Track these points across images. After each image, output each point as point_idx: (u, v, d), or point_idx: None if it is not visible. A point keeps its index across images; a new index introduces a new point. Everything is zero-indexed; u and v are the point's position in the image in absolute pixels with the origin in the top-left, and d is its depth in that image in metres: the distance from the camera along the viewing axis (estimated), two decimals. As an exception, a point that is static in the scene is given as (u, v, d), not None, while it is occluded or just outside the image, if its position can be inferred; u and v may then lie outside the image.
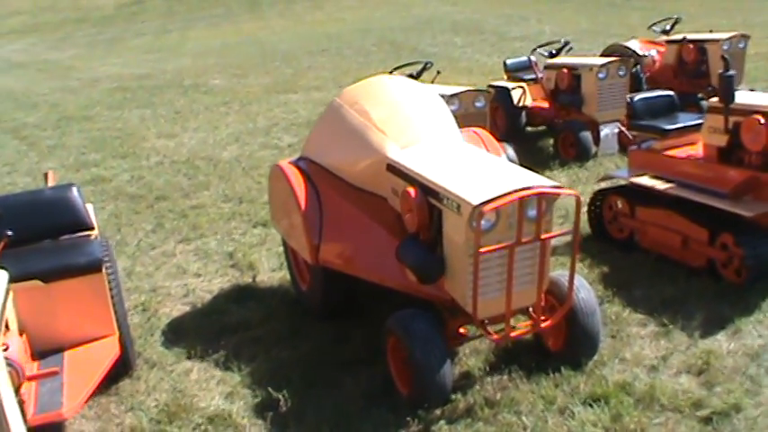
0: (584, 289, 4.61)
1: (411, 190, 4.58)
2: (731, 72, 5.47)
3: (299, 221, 5.29)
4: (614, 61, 9.05)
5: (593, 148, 8.79)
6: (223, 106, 15.47)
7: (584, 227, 6.84)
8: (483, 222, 4.10)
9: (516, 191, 4.11)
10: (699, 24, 16.52)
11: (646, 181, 6.13)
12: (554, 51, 9.95)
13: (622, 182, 6.48)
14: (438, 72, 9.47)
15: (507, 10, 26.66)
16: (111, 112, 16.44)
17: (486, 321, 4.45)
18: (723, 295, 5.42)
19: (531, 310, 4.56)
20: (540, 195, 4.14)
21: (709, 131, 5.78)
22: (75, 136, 14.15)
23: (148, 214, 8.81)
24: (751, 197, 5.51)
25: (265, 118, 13.77)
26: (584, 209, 6.80)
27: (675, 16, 11.06)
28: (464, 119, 7.85)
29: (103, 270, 4.88)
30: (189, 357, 5.47)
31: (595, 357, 4.72)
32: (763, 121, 5.35)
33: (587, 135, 8.67)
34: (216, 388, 5.05)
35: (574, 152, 8.81)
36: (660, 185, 6.00)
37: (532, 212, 4.21)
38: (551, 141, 9.61)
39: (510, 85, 9.96)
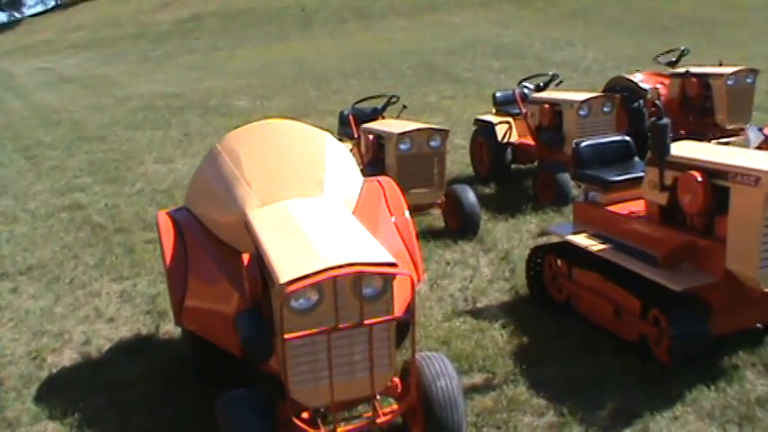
0: (445, 377, 3.92)
1: (245, 256, 4.01)
2: (665, 120, 4.73)
3: (166, 278, 4.76)
4: (598, 97, 8.32)
5: (573, 192, 8.04)
6: (229, 131, 15.06)
7: (522, 285, 6.14)
8: (300, 302, 3.50)
9: (332, 268, 3.49)
10: (747, 54, 15.57)
11: (580, 240, 5.42)
12: (541, 84, 9.24)
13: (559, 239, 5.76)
14: (404, 107, 8.84)
15: (555, 33, 25.89)
16: (126, 132, 16.25)
17: (321, 410, 3.82)
18: (646, 380, 4.67)
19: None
20: (361, 274, 3.50)
21: (649, 187, 5.05)
22: (79, 157, 13.94)
23: (99, 247, 8.40)
24: (689, 266, 4.75)
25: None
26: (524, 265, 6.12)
27: (683, 47, 10.21)
28: (418, 158, 7.30)
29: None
30: (49, 417, 4.99)
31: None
32: (700, 178, 4.61)
33: (566, 177, 7.92)
34: (56, 459, 4.53)
35: (551, 195, 8.08)
36: (594, 245, 5.28)
37: (368, 290, 3.58)
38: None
39: (495, 119, 9.28)
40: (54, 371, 5.63)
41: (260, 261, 3.95)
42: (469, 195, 7.51)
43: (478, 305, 6.06)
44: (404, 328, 5.28)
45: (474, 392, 4.71)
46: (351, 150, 8.41)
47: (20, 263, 8.09)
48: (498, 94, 9.64)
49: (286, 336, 3.49)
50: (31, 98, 24.26)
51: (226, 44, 35.12)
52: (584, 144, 5.81)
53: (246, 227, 4.34)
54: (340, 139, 8.74)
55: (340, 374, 3.65)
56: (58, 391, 5.31)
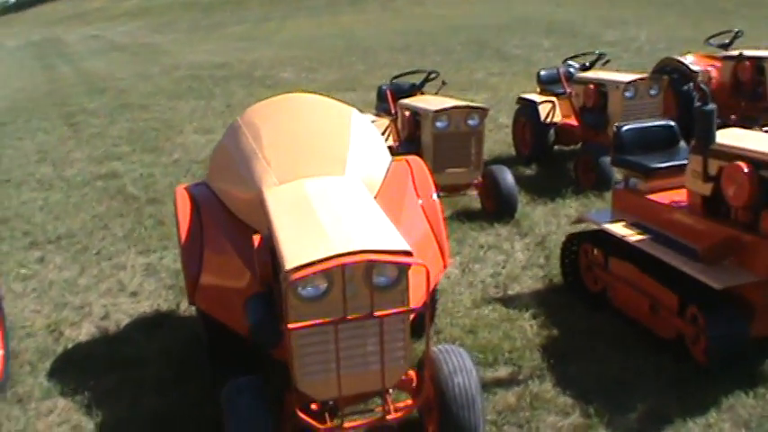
0: (463, 373, 3.68)
1: (256, 237, 3.80)
2: (710, 106, 4.42)
3: (180, 255, 4.60)
4: (645, 78, 7.95)
5: (616, 177, 7.70)
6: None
7: (557, 273, 5.88)
8: (308, 290, 3.30)
9: (341, 255, 3.27)
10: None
11: (617, 229, 5.12)
12: (587, 63, 8.88)
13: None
14: (443, 83, 8.55)
15: (609, 12, 25.29)
16: (169, 101, 16.22)
17: (330, 404, 3.62)
18: (680, 382, 4.38)
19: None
20: (371, 263, 3.27)
21: (692, 176, 4.73)
22: (120, 125, 13.92)
23: (130, 218, 8.30)
24: (731, 263, 4.45)
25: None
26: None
27: (736, 30, 9.75)
28: (455, 137, 7.05)
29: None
30: (60, 394, 4.87)
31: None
32: (746, 169, 4.29)
33: (609, 161, 7.57)
34: (61, 437, 4.41)
35: (593, 179, 7.77)
36: (632, 235, 4.98)
37: (382, 280, 3.36)
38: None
39: (538, 99, 8.94)
40: (70, 346, 5.51)
41: (270, 243, 3.75)
42: (507, 177, 7.23)
43: (509, 292, 5.81)
44: (431, 311, 5.08)
45: (497, 387, 4.48)
46: (388, 127, 8.19)
47: (50, 232, 8.02)
48: (543, 73, 9.29)
49: (290, 325, 3.29)
50: (81, 65, 24.39)
51: (276, 15, 34.97)
52: (625, 128, 5.50)
53: (261, 206, 4.14)
54: (378, 115, 8.53)
55: (349, 367, 3.44)
56: (71, 367, 5.19)
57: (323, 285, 3.33)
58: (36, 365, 5.24)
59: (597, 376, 4.50)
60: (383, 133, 8.18)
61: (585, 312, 5.34)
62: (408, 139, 7.79)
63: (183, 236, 4.55)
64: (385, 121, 8.29)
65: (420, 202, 4.75)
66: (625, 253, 5.11)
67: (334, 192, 4.07)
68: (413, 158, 5.09)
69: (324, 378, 3.47)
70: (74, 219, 8.43)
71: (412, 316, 3.71)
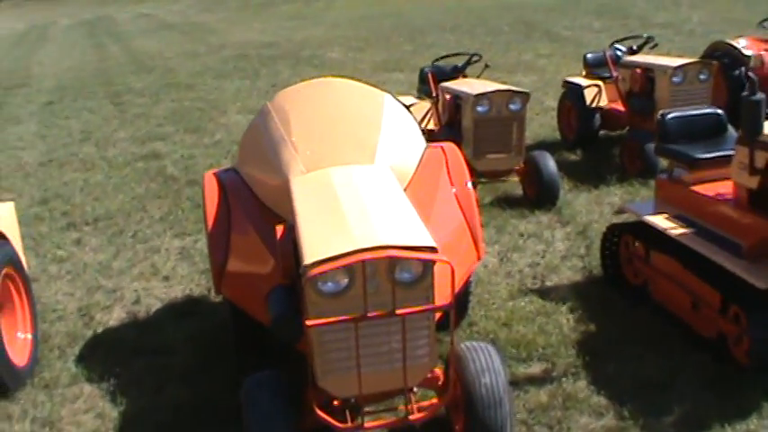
0: (491, 373, 3.53)
1: (279, 228, 3.70)
2: (759, 95, 4.19)
3: (207, 243, 4.52)
4: (694, 63, 7.66)
5: (663, 164, 7.45)
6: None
7: (597, 265, 5.68)
8: (328, 285, 3.19)
9: (362, 250, 3.14)
10: None
11: (659, 221, 4.91)
12: (634, 47, 8.59)
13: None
14: (486, 66, 8.33)
15: (661, -8, 24.62)
16: (215, 81, 16.20)
17: (351, 401, 3.51)
18: (720, 384, 4.18)
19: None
20: (393, 258, 3.14)
21: (738, 168, 4.50)
22: (165, 105, 13.94)
23: (168, 200, 8.27)
24: (780, 260, 4.23)
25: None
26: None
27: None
28: (496, 122, 6.87)
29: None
30: (87, 380, 4.85)
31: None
32: (797, 162, 4.07)
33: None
34: (85, 424, 4.39)
35: (639, 166, 7.52)
36: (673, 228, 4.78)
37: (405, 276, 3.23)
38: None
39: (584, 82, 8.68)
40: (99, 330, 5.49)
41: (293, 234, 3.64)
42: (549, 163, 7.02)
43: (548, 284, 5.63)
44: (461, 308, 4.94)
45: (529, 385, 4.33)
46: (429, 110, 8.03)
47: (88, 213, 8.02)
48: (589, 56, 9.01)
49: (308, 322, 3.18)
50: (130, 44, 24.51)
51: (326, -7, 34.79)
52: (670, 115, 5.27)
53: (288, 194, 4.03)
54: (419, 98, 8.37)
55: (370, 365, 3.33)
56: (99, 353, 5.17)
57: (344, 281, 3.21)
58: (65, 350, 5.23)
59: (633, 375, 4.33)
60: (424, 117, 8.03)
61: (625, 307, 5.15)
62: (449, 124, 7.62)
63: (210, 223, 4.48)
64: (426, 105, 8.13)
65: (454, 190, 4.60)
66: (667, 246, 4.90)
67: (361, 182, 3.94)
68: (448, 145, 4.94)
69: (345, 375, 3.36)
70: (113, 200, 8.42)
71: (438, 314, 3.59)
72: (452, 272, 3.21)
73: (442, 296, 3.42)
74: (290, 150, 4.29)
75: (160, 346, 5.16)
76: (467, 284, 4.78)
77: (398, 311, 3.20)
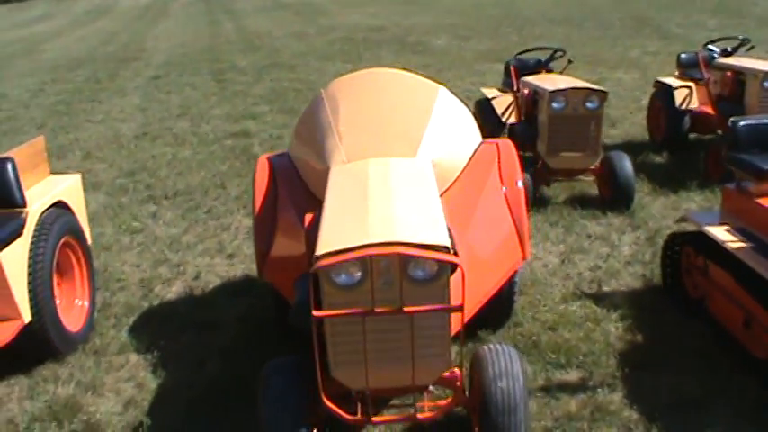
0: (509, 377, 3.44)
1: (308, 216, 3.72)
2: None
3: (253, 227, 4.59)
4: (789, 68, 7.29)
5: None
6: (418, 70, 14.65)
7: (659, 274, 5.49)
8: (342, 277, 3.18)
9: (371, 245, 3.11)
10: None
11: (718, 232, 4.70)
12: (729, 49, 8.23)
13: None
14: (569, 62, 8.13)
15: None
16: (318, 62, 16.40)
17: (364, 394, 3.50)
18: (762, 410, 3.98)
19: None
20: (401, 256, 3.10)
21: (805, 183, 4.28)
22: (264, 85, 14.19)
23: (247, 179, 8.39)
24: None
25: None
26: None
27: None
28: (572, 119, 6.72)
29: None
30: (135, 350, 5.01)
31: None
32: None
33: (740, 155, 7.02)
34: (124, 392, 4.54)
35: (722, 173, 7.21)
36: (732, 241, 4.56)
37: (419, 273, 3.20)
38: (708, 155, 7.98)
39: (675, 83, 8.38)
40: (156, 303, 5.65)
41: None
42: (625, 165, 6.81)
43: (604, 289, 5.48)
44: (505, 308, 4.86)
45: (562, 392, 4.21)
46: (511, 103, 7.90)
47: (169, 187, 8.25)
48: (683, 56, 8.68)
49: (315, 313, 3.18)
50: (243, 23, 25.03)
51: (442, -20, 34.65)
52: (742, 123, 5.03)
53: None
54: (503, 91, 8.25)
55: (378, 360, 3.30)
56: (151, 325, 5.32)
57: (357, 274, 3.20)
58: (121, 319, 5.40)
59: (671, 392, 4.16)
60: (506, 110, 7.91)
61: (679, 319, 4.96)
62: (527, 119, 7.49)
63: (257, 208, 4.55)
64: (509, 98, 8.00)
65: (504, 189, 4.52)
66: (724, 259, 4.69)
67: (396, 175, 3.91)
68: (503, 142, 4.86)
69: (356, 368, 3.35)
70: (195, 175, 8.63)
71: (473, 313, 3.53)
72: (463, 273, 3.15)
73: (470, 295, 3.37)
74: (335, 139, 4.30)
75: (209, 322, 5.26)
76: (511, 285, 4.69)
77: (406, 309, 3.16)
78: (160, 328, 5.22)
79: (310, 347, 3.33)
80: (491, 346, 3.62)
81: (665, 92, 8.40)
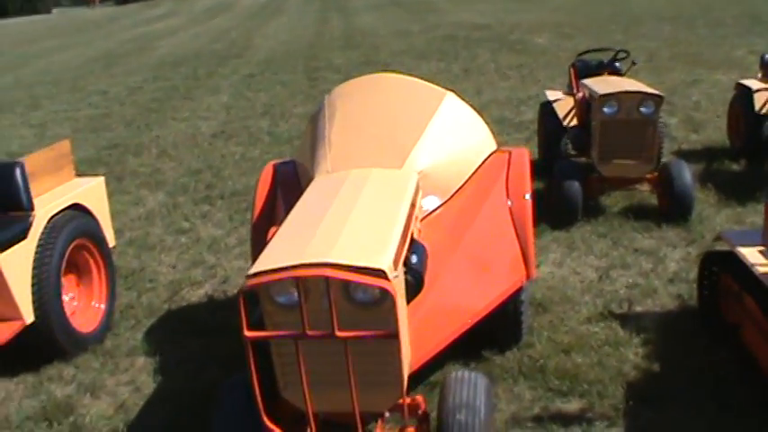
0: (469, 410, 3.17)
1: (272, 229, 3.61)
2: None
3: (250, 233, 4.53)
4: None
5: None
6: (511, 70, 14.35)
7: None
8: (282, 297, 3.07)
9: (300, 266, 2.95)
10: None
11: (751, 255, 4.27)
12: (813, 50, 7.64)
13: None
14: (633, 63, 7.70)
15: None
16: (413, 61, 16.37)
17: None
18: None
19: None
20: (328, 279, 2.92)
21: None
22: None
23: (305, 180, 8.36)
24: None
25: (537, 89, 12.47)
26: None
27: None
28: (625, 125, 6.37)
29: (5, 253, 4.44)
30: (143, 353, 5.04)
31: None
32: None
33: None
34: (120, 395, 4.55)
35: (798, 185, 6.70)
36: (761, 266, 4.16)
37: (360, 296, 3.03)
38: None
39: (756, 85, 7.80)
40: (178, 306, 5.67)
41: None
42: (684, 174, 6.37)
43: (636, 308, 5.12)
44: (512, 329, 4.59)
45: (554, 423, 3.93)
46: (572, 107, 7.57)
47: (228, 187, 8.30)
48: (767, 56, 8.10)
49: (247, 333, 3.06)
50: (352, 20, 25.16)
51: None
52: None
53: None
54: (567, 93, 7.93)
55: (320, 383, 3.15)
56: (166, 328, 5.34)
57: (295, 294, 3.05)
58: (140, 321, 5.44)
59: (674, 429, 3.83)
60: (567, 114, 7.59)
61: (708, 347, 4.57)
62: (581, 123, 7.15)
63: (255, 215, 4.52)
64: (571, 101, 7.66)
65: (509, 203, 4.29)
66: (755, 285, 4.30)
67: (370, 188, 3.74)
68: (517, 151, 4.62)
69: (301, 390, 3.20)
70: (256, 176, 8.57)
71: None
72: (394, 298, 2.95)
73: (452, 317, 3.25)
74: (325, 147, 4.18)
75: (221, 329, 5.20)
76: (516, 305, 4.42)
77: (338, 333, 2.99)
78: (172, 333, 5.22)
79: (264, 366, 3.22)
80: (458, 373, 3.42)
81: (743, 94, 7.86)
